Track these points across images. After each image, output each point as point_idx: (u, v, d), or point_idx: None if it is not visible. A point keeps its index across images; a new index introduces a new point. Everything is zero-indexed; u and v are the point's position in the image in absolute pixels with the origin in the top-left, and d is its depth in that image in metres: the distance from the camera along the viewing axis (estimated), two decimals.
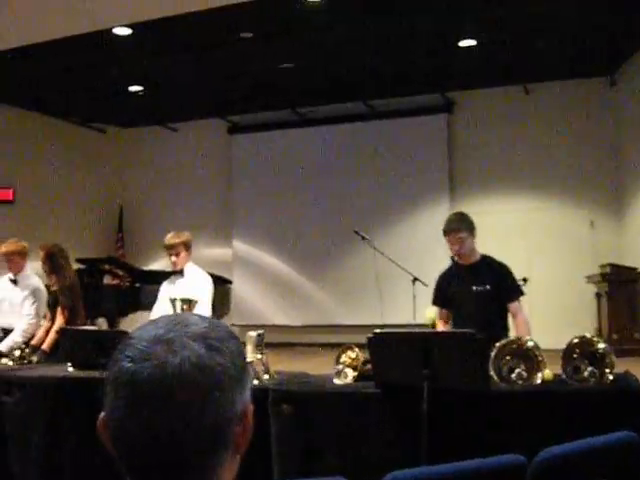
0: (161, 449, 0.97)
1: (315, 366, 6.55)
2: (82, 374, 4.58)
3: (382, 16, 9.28)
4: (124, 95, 12.77)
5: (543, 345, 3.72)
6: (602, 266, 10.85)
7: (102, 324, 9.83)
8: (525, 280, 6.53)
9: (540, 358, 3.64)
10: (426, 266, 9.61)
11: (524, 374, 3.63)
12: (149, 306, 6.09)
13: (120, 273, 10.59)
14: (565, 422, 3.40)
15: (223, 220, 14.65)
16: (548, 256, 12.28)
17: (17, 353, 5.33)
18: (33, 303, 6.09)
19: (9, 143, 12.92)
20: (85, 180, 14.58)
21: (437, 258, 9.04)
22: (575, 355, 3.64)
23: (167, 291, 5.68)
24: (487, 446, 2.75)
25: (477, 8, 9.13)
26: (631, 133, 11.43)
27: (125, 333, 4.26)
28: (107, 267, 10.74)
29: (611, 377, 3.56)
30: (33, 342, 5.88)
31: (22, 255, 6.21)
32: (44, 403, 4.54)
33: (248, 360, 3.82)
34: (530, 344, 3.71)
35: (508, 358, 3.70)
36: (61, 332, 5.44)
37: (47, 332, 5.98)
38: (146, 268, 12.78)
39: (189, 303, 4.69)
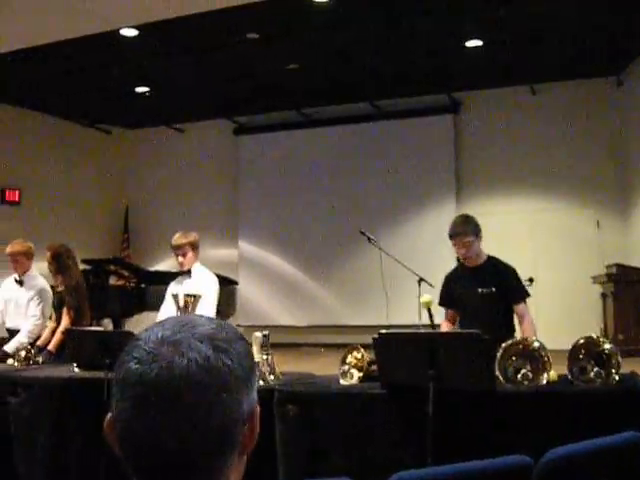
0: (168, 450, 0.97)
1: (321, 367, 6.54)
2: (88, 375, 4.59)
3: (388, 17, 9.28)
4: (130, 96, 12.79)
5: (548, 345, 3.72)
6: (608, 266, 10.82)
7: (107, 325, 9.85)
8: (531, 280, 6.53)
9: (546, 359, 3.64)
10: (432, 267, 9.59)
11: (530, 375, 3.62)
12: (154, 307, 6.10)
13: (125, 274, 10.61)
14: (571, 423, 3.39)
15: (229, 221, 14.66)
16: (554, 256, 12.26)
17: (23, 354, 5.33)
18: (39, 304, 6.10)
19: (15, 144, 12.96)
20: (91, 181, 14.61)
21: (443, 259, 9.05)
22: (581, 356, 3.64)
23: (174, 291, 5.68)
24: (493, 447, 2.75)
25: (483, 8, 9.12)
26: (637, 133, 11.40)
27: (130, 334, 4.26)
28: (113, 268, 10.76)
29: (617, 378, 3.55)
30: (39, 343, 5.89)
31: (28, 255, 6.22)
32: (50, 404, 4.54)
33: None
34: (536, 345, 3.70)
35: (514, 359, 3.69)
36: (67, 333, 5.45)
37: (53, 333, 5.99)
38: (152, 269, 12.80)
39: (193, 298, 4.68)
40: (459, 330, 4.83)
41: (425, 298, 4.87)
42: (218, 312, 5.70)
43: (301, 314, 13.81)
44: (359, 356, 4.07)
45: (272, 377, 4.19)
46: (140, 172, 15.48)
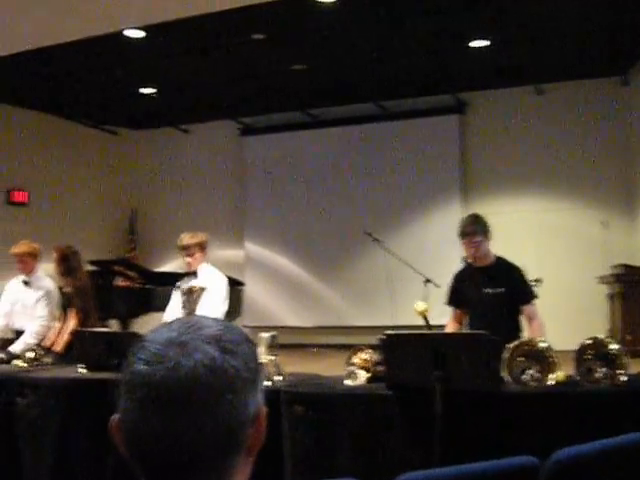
0: (174, 451, 0.98)
1: (327, 367, 6.54)
2: (94, 375, 4.60)
3: (393, 17, 9.27)
4: (136, 97, 12.80)
5: (555, 346, 3.71)
6: (614, 267, 10.78)
7: (114, 326, 9.85)
8: (538, 280, 6.51)
9: (553, 359, 3.63)
10: (438, 267, 9.60)
11: (537, 375, 3.62)
12: (161, 308, 6.09)
13: (132, 275, 10.61)
14: (578, 423, 3.39)
15: (235, 222, 14.66)
16: (560, 257, 12.23)
17: (30, 355, 5.34)
18: (47, 305, 6.12)
19: (22, 145, 12.99)
20: (97, 182, 14.62)
21: (449, 259, 9.03)
22: (588, 356, 3.63)
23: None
24: (499, 447, 2.75)
25: (488, 8, 9.11)
26: None
27: (137, 335, 4.27)
28: (119, 269, 10.76)
29: (624, 378, 3.54)
30: (44, 344, 5.90)
31: (33, 256, 6.24)
32: (57, 404, 4.55)
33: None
34: (543, 345, 3.70)
35: (521, 359, 3.69)
36: (74, 334, 5.46)
37: (59, 333, 6.00)
38: (158, 270, 12.81)
39: (198, 288, 4.66)
40: (466, 331, 4.83)
41: (420, 307, 4.86)
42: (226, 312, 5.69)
43: (307, 315, 13.79)
44: (365, 357, 4.06)
45: (278, 378, 4.19)
46: (146, 173, 15.48)
